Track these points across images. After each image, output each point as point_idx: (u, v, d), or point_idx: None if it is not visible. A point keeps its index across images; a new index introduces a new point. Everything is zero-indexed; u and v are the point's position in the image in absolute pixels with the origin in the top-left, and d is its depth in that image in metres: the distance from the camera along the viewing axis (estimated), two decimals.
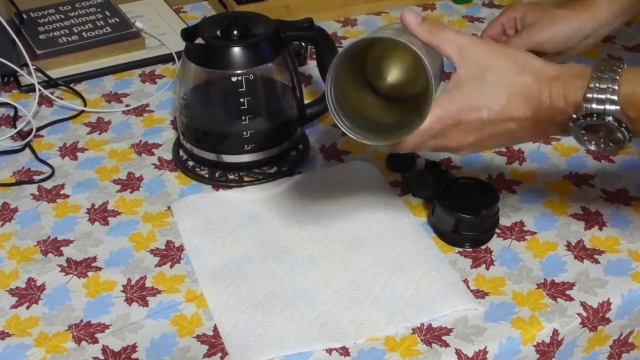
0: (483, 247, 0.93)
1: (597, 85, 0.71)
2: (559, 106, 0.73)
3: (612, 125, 0.70)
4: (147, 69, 1.27)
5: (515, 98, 0.74)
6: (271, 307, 0.85)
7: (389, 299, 0.86)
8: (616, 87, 0.70)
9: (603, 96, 0.70)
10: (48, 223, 0.97)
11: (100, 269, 0.90)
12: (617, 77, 0.71)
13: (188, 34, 1.00)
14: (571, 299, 0.86)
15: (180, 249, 0.93)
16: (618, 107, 0.70)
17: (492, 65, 0.75)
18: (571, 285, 0.88)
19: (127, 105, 1.18)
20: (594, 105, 0.70)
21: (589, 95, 0.70)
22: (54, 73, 1.22)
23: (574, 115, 0.71)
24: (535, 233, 0.94)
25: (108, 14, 1.34)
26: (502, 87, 0.74)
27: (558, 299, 0.86)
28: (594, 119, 0.70)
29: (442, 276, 0.88)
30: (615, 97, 0.70)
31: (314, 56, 1.24)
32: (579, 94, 0.71)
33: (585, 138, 0.73)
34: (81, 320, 0.85)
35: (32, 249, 0.93)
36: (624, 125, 0.70)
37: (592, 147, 0.74)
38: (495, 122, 0.74)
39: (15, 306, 0.86)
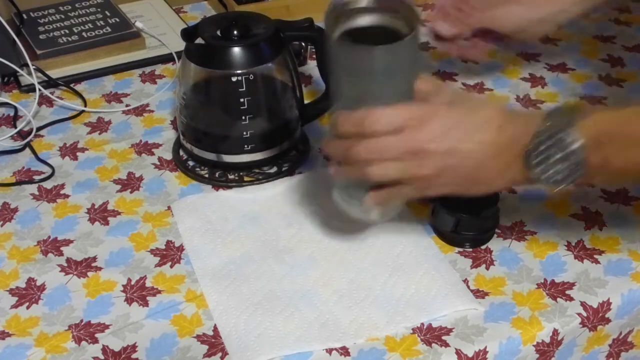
0: (483, 247, 0.93)
1: (559, 109, 0.72)
2: (520, 130, 0.73)
3: (567, 144, 0.70)
4: (147, 69, 1.27)
5: (484, 119, 0.75)
6: (271, 307, 0.85)
7: (389, 299, 0.86)
8: (577, 113, 0.71)
9: (564, 119, 0.71)
10: (48, 223, 0.97)
11: (100, 268, 0.90)
12: (580, 107, 0.73)
13: (188, 34, 1.00)
14: (571, 298, 0.86)
15: (180, 249, 0.93)
16: (577, 130, 0.70)
17: (467, 95, 0.78)
18: (571, 285, 0.88)
19: (127, 105, 1.18)
20: (553, 128, 0.71)
21: (549, 123, 0.71)
22: (54, 73, 1.22)
23: (535, 139, 0.71)
24: (535, 233, 0.94)
25: (108, 14, 1.34)
26: (475, 109, 0.75)
27: (558, 299, 0.86)
28: (552, 138, 0.70)
29: (442, 276, 0.88)
30: (574, 120, 0.70)
31: (314, 56, 1.25)
32: (539, 120, 0.72)
33: (539, 169, 0.72)
34: (81, 320, 0.85)
35: (32, 249, 0.93)
36: (580, 148, 0.70)
37: (543, 178, 0.73)
38: (463, 130, 0.74)
39: (15, 306, 0.86)
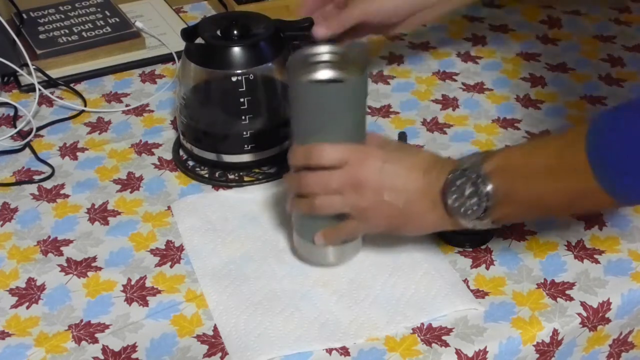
0: (483, 247, 0.92)
1: (474, 153, 0.80)
2: (440, 174, 0.79)
3: (476, 178, 0.76)
4: (147, 69, 1.27)
5: (413, 164, 0.82)
6: (271, 306, 0.85)
7: (389, 299, 0.86)
8: (487, 153, 0.79)
9: (475, 158, 0.78)
10: (48, 223, 0.97)
11: (100, 268, 0.90)
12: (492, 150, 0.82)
13: (188, 33, 1.00)
14: (571, 298, 0.86)
15: (180, 248, 0.93)
16: (484, 165, 0.77)
17: (407, 146, 0.88)
18: (571, 285, 0.88)
19: (127, 105, 1.18)
20: (464, 165, 0.78)
21: (462, 163, 0.78)
22: (54, 73, 1.22)
23: (450, 177, 0.78)
24: (535, 233, 0.94)
25: (108, 13, 1.34)
26: (407, 156, 0.83)
27: (558, 299, 0.86)
28: (463, 175, 0.77)
29: (442, 276, 0.88)
30: (484, 157, 0.77)
31: None
32: (456, 162, 0.80)
33: (456, 204, 0.78)
34: (81, 320, 0.85)
35: (32, 249, 0.93)
36: (487, 181, 0.76)
37: (462, 212, 0.78)
38: (395, 171, 0.81)
39: (15, 306, 0.86)
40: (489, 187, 0.76)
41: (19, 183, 1.03)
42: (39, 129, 1.13)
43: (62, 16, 1.34)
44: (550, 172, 0.74)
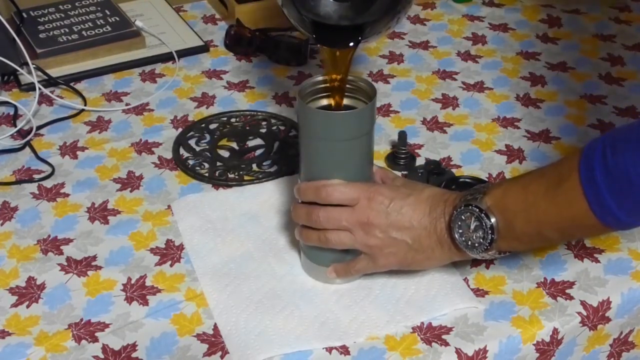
0: None
1: (475, 188, 0.83)
2: (445, 210, 0.81)
3: (479, 212, 0.78)
4: (147, 68, 1.27)
5: (418, 202, 0.83)
6: (271, 305, 0.85)
7: (389, 298, 0.86)
8: (489, 187, 0.81)
9: (478, 194, 0.80)
10: (48, 222, 0.97)
11: (100, 267, 0.91)
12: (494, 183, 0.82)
13: None
14: (571, 297, 0.86)
15: (180, 247, 0.93)
16: (485, 199, 0.79)
17: (412, 183, 0.88)
18: (571, 284, 0.88)
19: (127, 104, 1.18)
20: (467, 201, 0.80)
21: (465, 198, 0.81)
22: (54, 72, 1.22)
23: (454, 212, 0.80)
24: None
25: (108, 12, 1.34)
26: (413, 194, 0.84)
27: (558, 298, 0.86)
28: (467, 209, 0.79)
29: (442, 275, 0.88)
30: (485, 191, 0.80)
31: (314, 55, 1.25)
32: (460, 197, 0.81)
33: (462, 238, 0.80)
34: (81, 319, 0.85)
35: (32, 248, 0.93)
36: (489, 214, 0.78)
37: (469, 245, 0.80)
38: (401, 210, 0.82)
39: (15, 305, 0.86)
40: (493, 220, 0.78)
41: (19, 182, 1.03)
42: (39, 128, 1.13)
43: (62, 15, 1.34)
44: (547, 203, 0.76)
